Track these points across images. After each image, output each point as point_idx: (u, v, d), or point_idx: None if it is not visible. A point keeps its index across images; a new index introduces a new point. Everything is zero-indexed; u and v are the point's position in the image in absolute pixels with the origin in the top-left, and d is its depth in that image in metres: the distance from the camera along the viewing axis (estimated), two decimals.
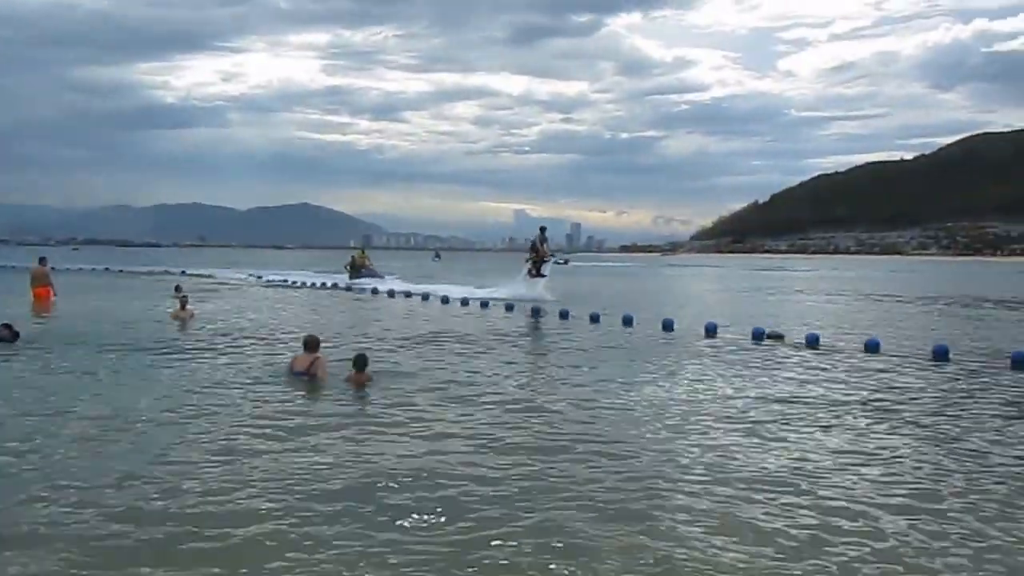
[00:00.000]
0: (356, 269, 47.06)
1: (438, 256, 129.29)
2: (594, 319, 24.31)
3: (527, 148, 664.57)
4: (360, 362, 13.17)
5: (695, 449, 9.38)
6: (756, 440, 9.89)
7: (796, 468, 8.62)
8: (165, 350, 16.48)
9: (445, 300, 31.49)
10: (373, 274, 46.67)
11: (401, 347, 17.89)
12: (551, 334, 21.83)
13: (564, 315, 25.26)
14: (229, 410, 10.98)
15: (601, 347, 18.91)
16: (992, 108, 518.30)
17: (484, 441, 9.56)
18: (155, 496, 7.26)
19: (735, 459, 8.95)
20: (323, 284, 43.18)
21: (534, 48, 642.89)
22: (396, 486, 7.68)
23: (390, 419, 10.62)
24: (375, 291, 37.17)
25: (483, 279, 44.09)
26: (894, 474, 8.50)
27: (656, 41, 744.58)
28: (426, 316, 26.51)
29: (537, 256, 33.87)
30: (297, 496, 7.35)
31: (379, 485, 7.71)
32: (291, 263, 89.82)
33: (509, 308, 27.90)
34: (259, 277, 51.89)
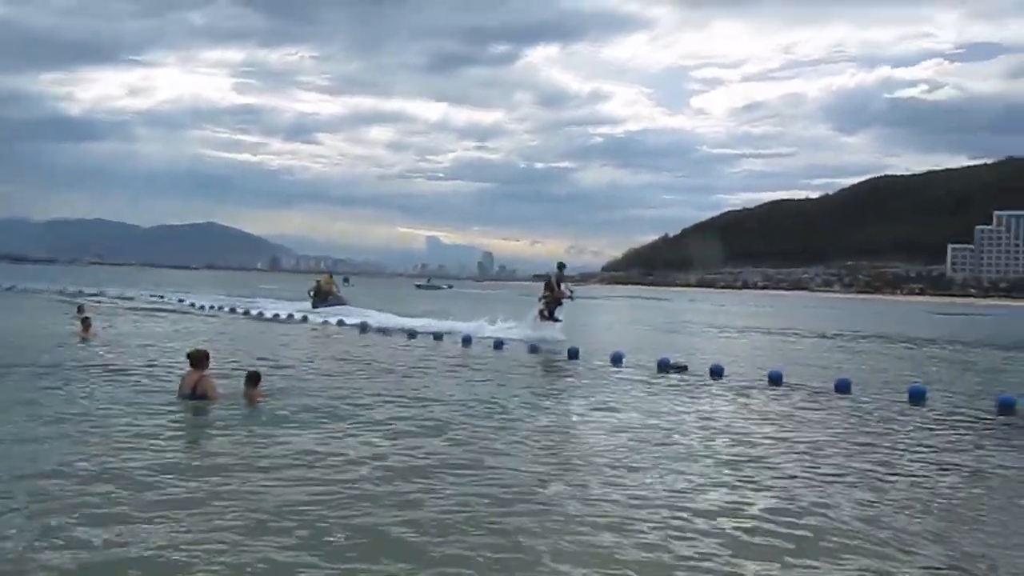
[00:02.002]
0: (321, 296, 41.96)
1: (347, 281, 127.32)
2: (498, 346, 24.74)
3: (441, 174, 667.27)
4: (253, 378, 12.81)
5: (589, 478, 9.23)
6: (645, 466, 9.81)
7: (677, 493, 8.59)
8: (56, 372, 15.64)
9: (467, 340, 25.89)
10: (340, 302, 41.73)
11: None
12: (455, 360, 21.58)
13: (467, 341, 25.76)
14: (104, 433, 10.42)
15: (505, 373, 18.77)
16: (894, 152, 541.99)
17: (369, 464, 9.24)
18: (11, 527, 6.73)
19: (623, 485, 8.83)
20: (276, 315, 36.67)
21: (452, 75, 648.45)
22: (272, 513, 7.30)
23: (273, 440, 10.26)
24: (341, 323, 32.42)
25: (403, 306, 43.81)
26: (784, 503, 8.49)
27: (573, 74, 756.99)
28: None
29: (552, 297, 28.85)
30: (167, 521, 6.91)
31: (254, 512, 7.32)
32: (195, 282, 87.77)
33: (534, 350, 24.18)
34: (189, 303, 45.29)
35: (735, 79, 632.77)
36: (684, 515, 7.85)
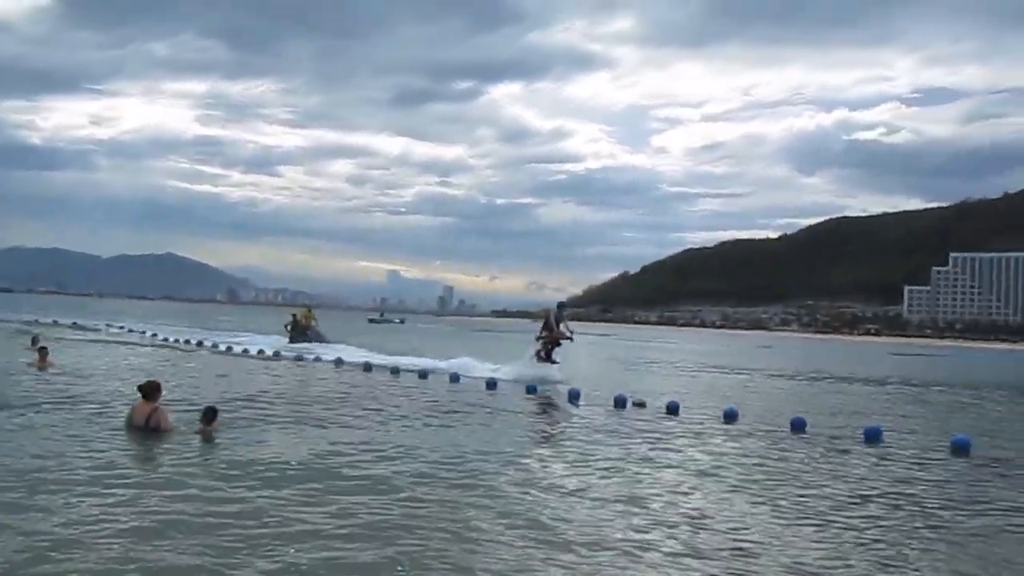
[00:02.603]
0: (299, 331, 39.80)
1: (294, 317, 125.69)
2: (454, 379, 25.12)
3: (403, 209, 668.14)
4: (209, 414, 12.67)
5: (545, 509, 9.20)
6: (598, 499, 9.80)
7: (637, 528, 8.59)
8: (9, 403, 15.31)
9: (491, 385, 23.91)
10: (320, 337, 39.95)
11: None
12: (440, 400, 21.49)
13: (424, 375, 26.03)
14: (52, 466, 10.19)
15: (456, 411, 18.68)
16: (852, 193, 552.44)
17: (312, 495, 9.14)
18: None
19: (578, 518, 8.82)
20: (246, 350, 34.20)
21: (414, 111, 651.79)
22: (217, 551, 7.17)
23: (227, 475, 10.10)
24: (318, 359, 31.09)
25: (380, 340, 43.58)
26: (728, 539, 8.53)
27: (535, 111, 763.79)
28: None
29: (551, 337, 27.28)
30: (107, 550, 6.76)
31: (205, 547, 7.19)
32: (154, 314, 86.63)
33: (531, 391, 23.15)
34: (149, 334, 43.71)
35: (695, 119, 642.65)
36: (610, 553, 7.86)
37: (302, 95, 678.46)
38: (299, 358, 31.42)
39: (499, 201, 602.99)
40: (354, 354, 33.21)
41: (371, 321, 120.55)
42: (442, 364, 28.95)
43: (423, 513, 8.89)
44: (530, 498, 9.99)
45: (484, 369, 27.22)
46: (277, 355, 32.79)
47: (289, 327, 40.35)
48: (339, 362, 29.99)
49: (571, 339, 27.68)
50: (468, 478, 10.89)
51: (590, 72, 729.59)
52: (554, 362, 27.12)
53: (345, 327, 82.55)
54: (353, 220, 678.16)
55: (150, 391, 12.54)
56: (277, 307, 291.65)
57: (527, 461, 12.77)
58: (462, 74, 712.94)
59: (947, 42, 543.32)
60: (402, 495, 9.64)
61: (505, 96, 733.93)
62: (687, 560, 7.77)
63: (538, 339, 27.44)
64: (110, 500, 8.68)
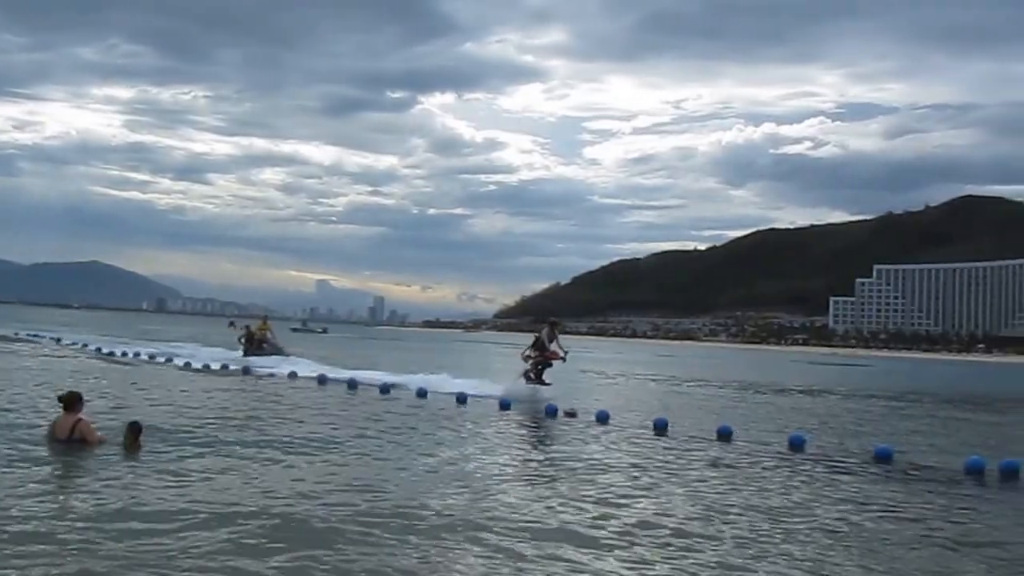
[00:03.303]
0: (255, 343, 37.80)
1: (233, 324, 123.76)
2: (384, 390, 25.08)
3: (334, 218, 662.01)
4: (134, 429, 12.37)
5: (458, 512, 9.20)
6: (523, 498, 9.86)
7: (557, 530, 8.67)
8: None
9: (461, 399, 22.93)
10: (278, 350, 37.94)
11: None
12: (356, 406, 21.34)
13: (385, 390, 25.34)
14: None
15: (386, 418, 18.77)
16: (779, 206, 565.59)
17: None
18: None
19: (512, 518, 8.85)
20: (188, 363, 32.17)
21: (347, 120, 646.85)
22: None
23: (144, 491, 9.92)
24: (268, 374, 29.43)
25: (344, 353, 43.00)
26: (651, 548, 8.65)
27: (468, 122, 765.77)
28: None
29: (543, 358, 25.01)
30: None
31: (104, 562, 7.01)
32: (76, 322, 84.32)
33: (505, 407, 22.16)
34: (95, 348, 40.16)
35: (627, 131, 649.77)
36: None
37: (233, 102, 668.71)
38: (247, 371, 30.35)
39: (431, 211, 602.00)
40: (313, 368, 31.40)
41: (293, 330, 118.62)
42: (429, 379, 27.20)
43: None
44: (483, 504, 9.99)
45: (468, 386, 25.06)
46: (225, 368, 31.39)
47: (243, 340, 38.40)
48: (293, 375, 28.85)
49: (564, 359, 25.26)
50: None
51: (523, 84, 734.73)
52: (545, 383, 24.67)
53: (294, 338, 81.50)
54: (284, 229, 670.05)
55: (71, 402, 12.15)
56: (205, 316, 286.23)
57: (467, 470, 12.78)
58: (395, 84, 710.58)
59: (871, 59, 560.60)
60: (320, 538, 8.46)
61: (438, 106, 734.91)
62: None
63: (527, 358, 25.13)
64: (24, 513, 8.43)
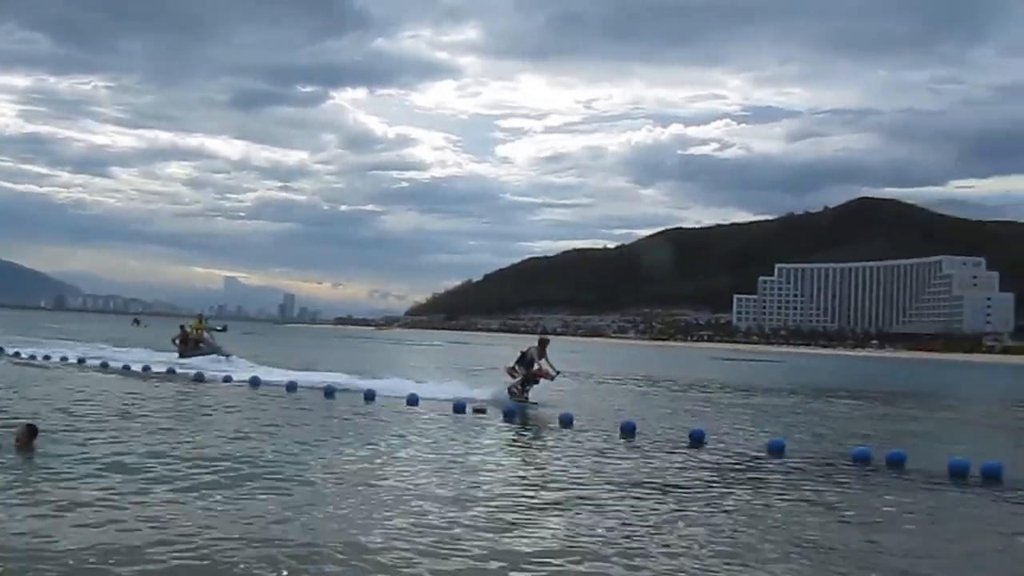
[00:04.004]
0: (191, 344, 36.03)
1: (137, 322, 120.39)
2: (291, 388, 25.28)
3: (242, 214, 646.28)
4: (30, 430, 12.33)
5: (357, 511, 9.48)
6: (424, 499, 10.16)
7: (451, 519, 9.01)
8: None
9: (369, 397, 23.06)
10: (216, 351, 36.06)
11: None
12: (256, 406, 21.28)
13: (291, 388, 25.40)
14: None
15: (293, 417, 19.03)
16: (686, 205, 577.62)
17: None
18: None
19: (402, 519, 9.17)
20: (105, 364, 31.14)
21: (256, 114, 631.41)
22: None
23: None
24: (200, 378, 27.56)
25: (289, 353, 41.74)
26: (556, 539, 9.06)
27: (380, 118, 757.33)
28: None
29: (531, 375, 24.16)
30: None
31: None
32: None
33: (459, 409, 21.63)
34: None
35: (539, 130, 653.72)
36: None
37: (136, 94, 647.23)
38: (171, 371, 29.10)
39: (343, 208, 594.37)
40: (252, 371, 29.94)
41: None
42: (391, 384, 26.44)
43: None
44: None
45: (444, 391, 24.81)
46: (147, 370, 29.81)
47: (178, 340, 36.58)
48: (227, 380, 27.37)
49: (553, 378, 24.48)
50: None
51: (436, 80, 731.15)
52: (532, 404, 23.81)
53: (166, 332, 79.24)
54: (190, 225, 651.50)
55: None
56: (108, 314, 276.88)
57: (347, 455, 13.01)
58: (305, 78, 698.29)
59: (775, 64, 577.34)
60: None
61: (350, 102, 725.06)
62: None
63: (513, 374, 24.43)
64: None
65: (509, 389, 24.20)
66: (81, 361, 32.60)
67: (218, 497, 10.27)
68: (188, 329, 37.10)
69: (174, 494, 10.33)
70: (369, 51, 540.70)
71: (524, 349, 24.93)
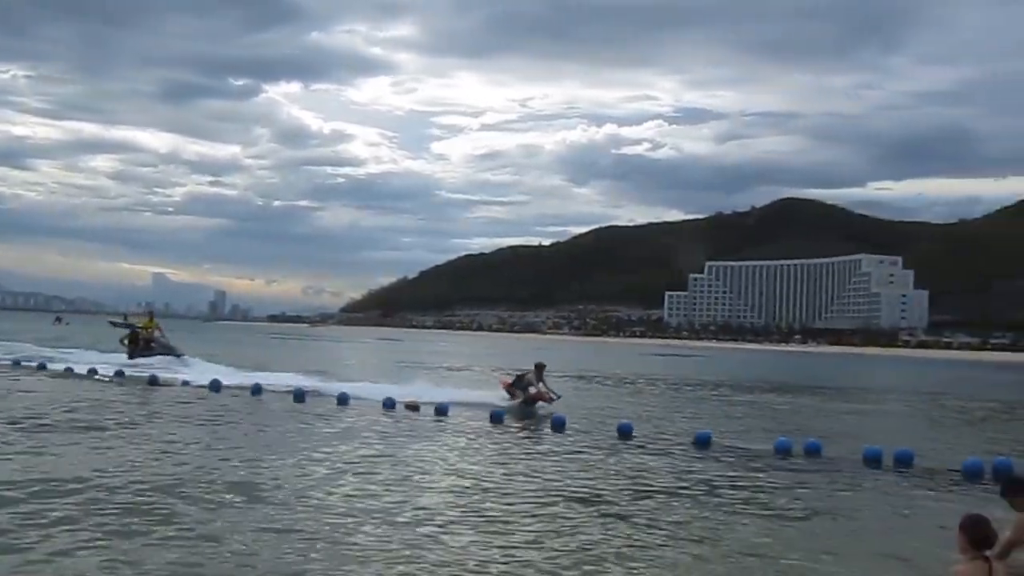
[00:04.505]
0: (141, 343, 33.94)
1: (59, 320, 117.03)
2: (214, 387, 24.77)
3: (171, 209, 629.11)
4: None
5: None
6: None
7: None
8: None
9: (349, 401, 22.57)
10: (170, 351, 33.97)
11: None
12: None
13: (217, 388, 25.14)
14: None
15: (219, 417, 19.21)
16: (620, 204, 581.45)
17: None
18: None
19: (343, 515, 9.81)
20: (42, 365, 29.72)
21: (185, 106, 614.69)
22: None
23: None
24: (158, 381, 26.19)
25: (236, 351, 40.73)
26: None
27: (315, 113, 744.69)
28: None
29: (530, 398, 23.65)
30: None
31: None
32: None
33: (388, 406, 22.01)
34: None
35: (475, 127, 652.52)
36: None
37: (59, 83, 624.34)
38: (119, 374, 27.87)
39: (276, 203, 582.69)
40: (207, 372, 29.03)
41: (112, 324, 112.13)
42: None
43: None
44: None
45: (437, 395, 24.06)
46: (93, 373, 28.34)
47: (127, 341, 34.55)
48: (185, 384, 26.22)
49: (551, 402, 23.67)
50: None
51: (371, 76, 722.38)
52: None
53: (90, 331, 77.23)
54: (117, 220, 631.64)
55: None
56: (28, 312, 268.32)
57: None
58: (238, 71, 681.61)
59: (705, 67, 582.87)
60: None
61: (283, 96, 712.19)
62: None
63: (513, 394, 24.01)
64: None
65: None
66: (16, 363, 31.07)
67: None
68: (138, 328, 34.98)
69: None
70: (303, 45, 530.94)
71: (521, 372, 24.63)
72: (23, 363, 31.46)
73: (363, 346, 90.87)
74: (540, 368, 24.40)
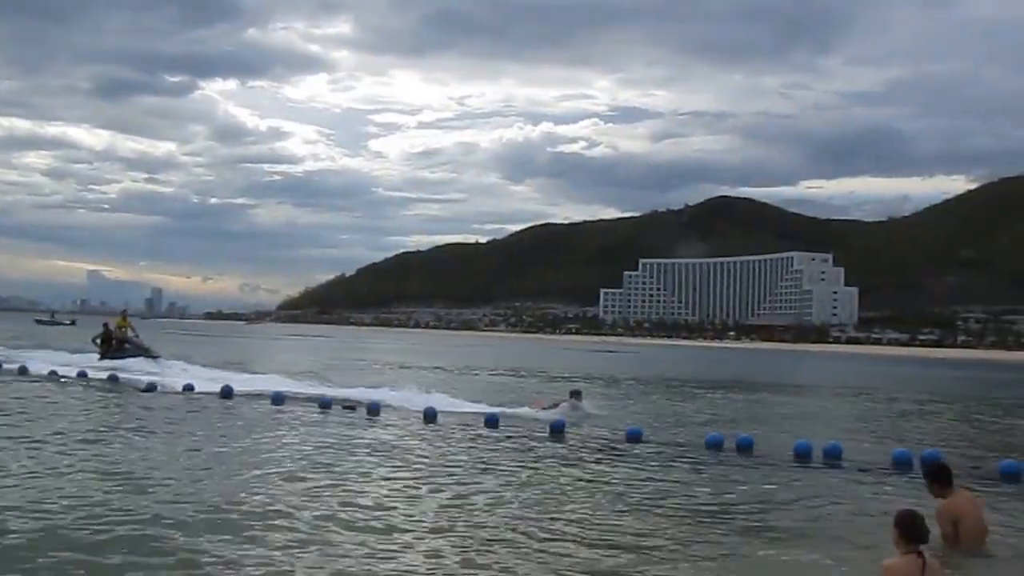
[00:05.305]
0: (114, 343, 32.45)
1: None
2: (226, 394, 23.14)
3: (106, 206, 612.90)
4: None
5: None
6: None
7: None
8: None
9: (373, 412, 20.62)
10: (143, 350, 32.59)
11: None
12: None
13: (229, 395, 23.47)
14: None
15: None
16: (556, 201, 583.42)
17: None
18: None
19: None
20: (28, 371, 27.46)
21: (120, 103, 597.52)
22: None
23: None
24: (151, 387, 24.39)
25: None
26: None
27: (251, 110, 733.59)
28: None
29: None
30: None
31: None
32: None
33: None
34: None
35: (412, 125, 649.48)
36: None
37: None
38: (113, 379, 26.19)
39: (212, 200, 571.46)
40: (187, 374, 27.66)
41: (38, 322, 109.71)
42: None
43: None
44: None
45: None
46: (83, 377, 26.67)
47: (99, 340, 33.06)
48: (152, 387, 24.49)
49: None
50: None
51: (308, 74, 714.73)
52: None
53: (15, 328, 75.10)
54: (50, 217, 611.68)
55: None
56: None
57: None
58: (173, 67, 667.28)
59: (641, 66, 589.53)
60: None
61: (219, 92, 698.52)
62: None
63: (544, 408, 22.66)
64: None
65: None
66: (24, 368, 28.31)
67: None
68: (111, 327, 33.40)
69: None
70: (240, 42, 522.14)
71: (557, 400, 23.35)
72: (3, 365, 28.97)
73: (322, 343, 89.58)
74: (576, 395, 23.21)
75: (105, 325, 33.87)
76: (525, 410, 22.02)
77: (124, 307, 46.34)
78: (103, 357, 31.75)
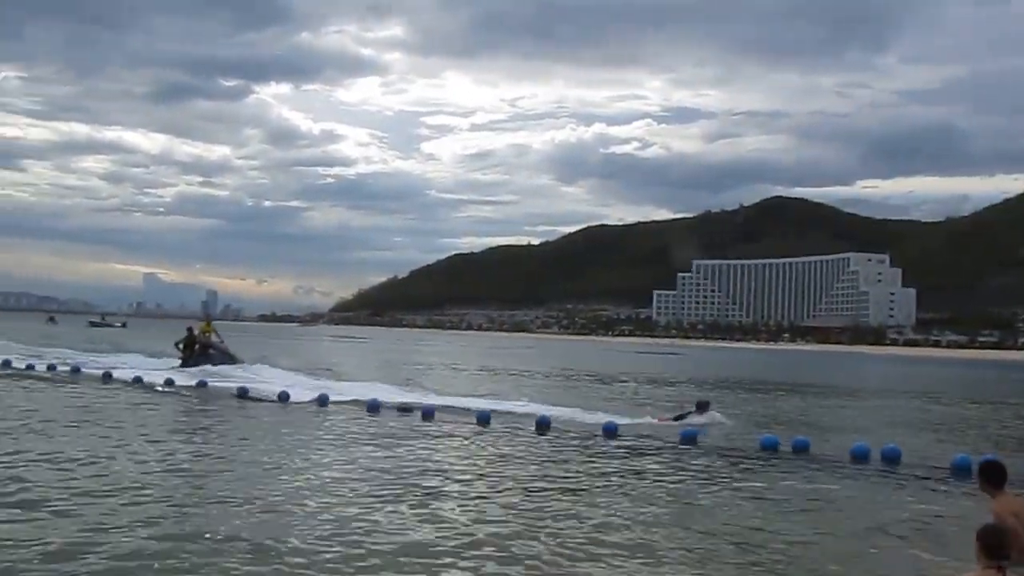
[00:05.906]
0: (198, 348, 31.71)
1: (53, 319, 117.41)
2: (372, 408, 22.36)
3: (162, 209, 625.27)
4: None
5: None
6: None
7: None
8: None
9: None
10: (229, 357, 32.16)
11: None
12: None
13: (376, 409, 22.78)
14: None
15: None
16: (608, 203, 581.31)
17: None
18: None
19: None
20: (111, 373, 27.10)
21: (176, 107, 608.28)
22: None
23: None
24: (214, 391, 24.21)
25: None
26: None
27: (304, 113, 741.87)
28: None
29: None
30: None
31: None
32: None
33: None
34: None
35: (464, 127, 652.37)
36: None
37: (50, 84, 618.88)
38: (202, 384, 25.67)
39: (266, 203, 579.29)
40: (284, 382, 26.49)
41: (91, 324, 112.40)
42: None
43: None
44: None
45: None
46: (170, 384, 25.65)
47: (182, 345, 32.07)
48: (243, 392, 23.71)
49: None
50: None
51: (361, 76, 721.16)
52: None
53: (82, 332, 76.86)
54: (108, 220, 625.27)
55: None
56: (18, 312, 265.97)
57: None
58: (228, 71, 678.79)
59: (690, 66, 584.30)
60: None
61: (273, 96, 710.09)
62: None
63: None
64: None
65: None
66: (75, 371, 28.49)
67: None
68: (196, 332, 32.47)
69: None
70: (293, 45, 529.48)
71: (683, 410, 22.81)
72: (82, 370, 28.96)
73: (384, 345, 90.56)
74: (702, 406, 22.51)
75: (189, 330, 32.77)
76: (647, 420, 21.65)
77: (207, 312, 45.74)
78: (185, 363, 30.81)
